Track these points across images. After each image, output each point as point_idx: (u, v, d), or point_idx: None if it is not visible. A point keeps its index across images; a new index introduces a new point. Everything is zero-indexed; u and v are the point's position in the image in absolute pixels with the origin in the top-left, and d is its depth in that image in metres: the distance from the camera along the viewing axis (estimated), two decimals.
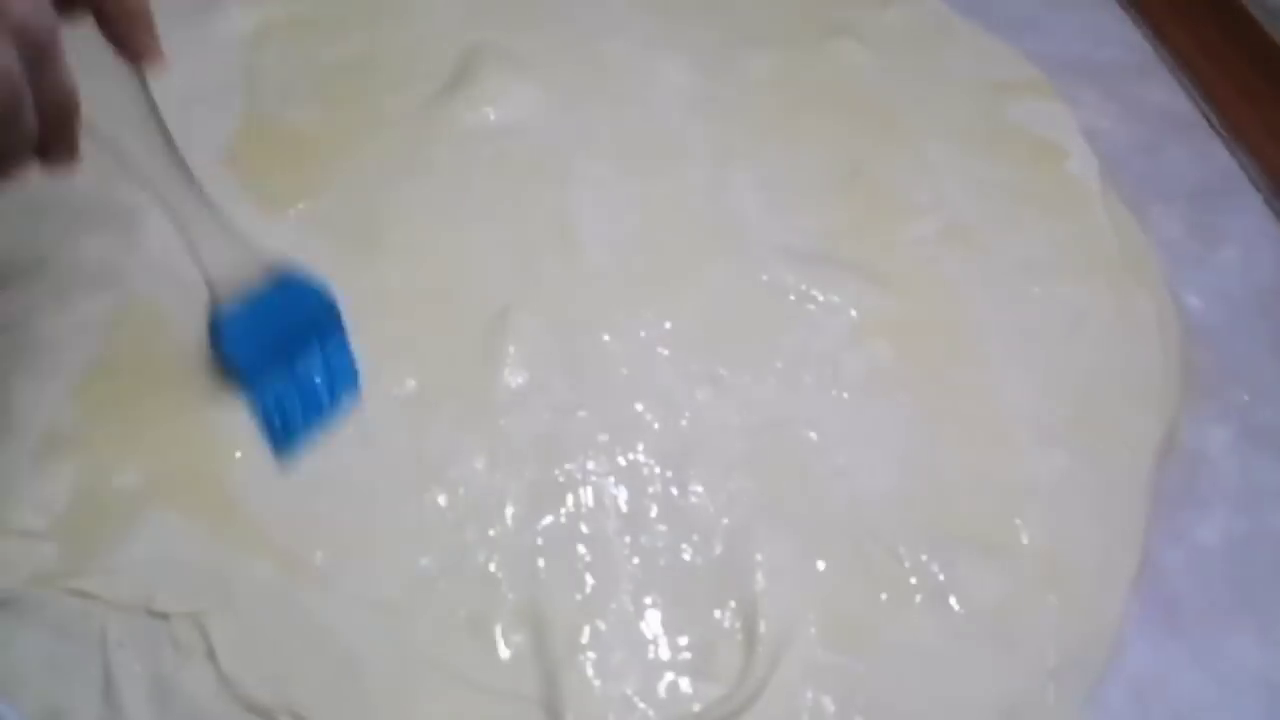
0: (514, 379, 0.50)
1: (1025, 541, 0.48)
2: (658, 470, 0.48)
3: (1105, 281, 0.57)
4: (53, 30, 0.34)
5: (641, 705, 0.41)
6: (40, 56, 0.34)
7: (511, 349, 0.51)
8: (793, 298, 0.54)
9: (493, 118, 0.62)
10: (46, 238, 0.54)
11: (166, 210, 0.43)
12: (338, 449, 0.47)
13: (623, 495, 0.47)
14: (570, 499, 0.47)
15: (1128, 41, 0.71)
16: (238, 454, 0.47)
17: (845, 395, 0.51)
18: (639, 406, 0.50)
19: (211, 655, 0.41)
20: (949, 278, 0.56)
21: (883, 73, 0.66)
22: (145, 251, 0.54)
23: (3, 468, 0.46)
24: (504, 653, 0.42)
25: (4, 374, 0.49)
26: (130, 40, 0.40)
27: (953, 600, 0.45)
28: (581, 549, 0.45)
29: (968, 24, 0.70)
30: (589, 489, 0.47)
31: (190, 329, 0.50)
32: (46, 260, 0.53)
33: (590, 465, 0.48)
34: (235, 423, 0.48)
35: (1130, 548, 0.48)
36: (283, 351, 0.47)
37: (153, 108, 0.42)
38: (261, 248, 0.46)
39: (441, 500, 0.46)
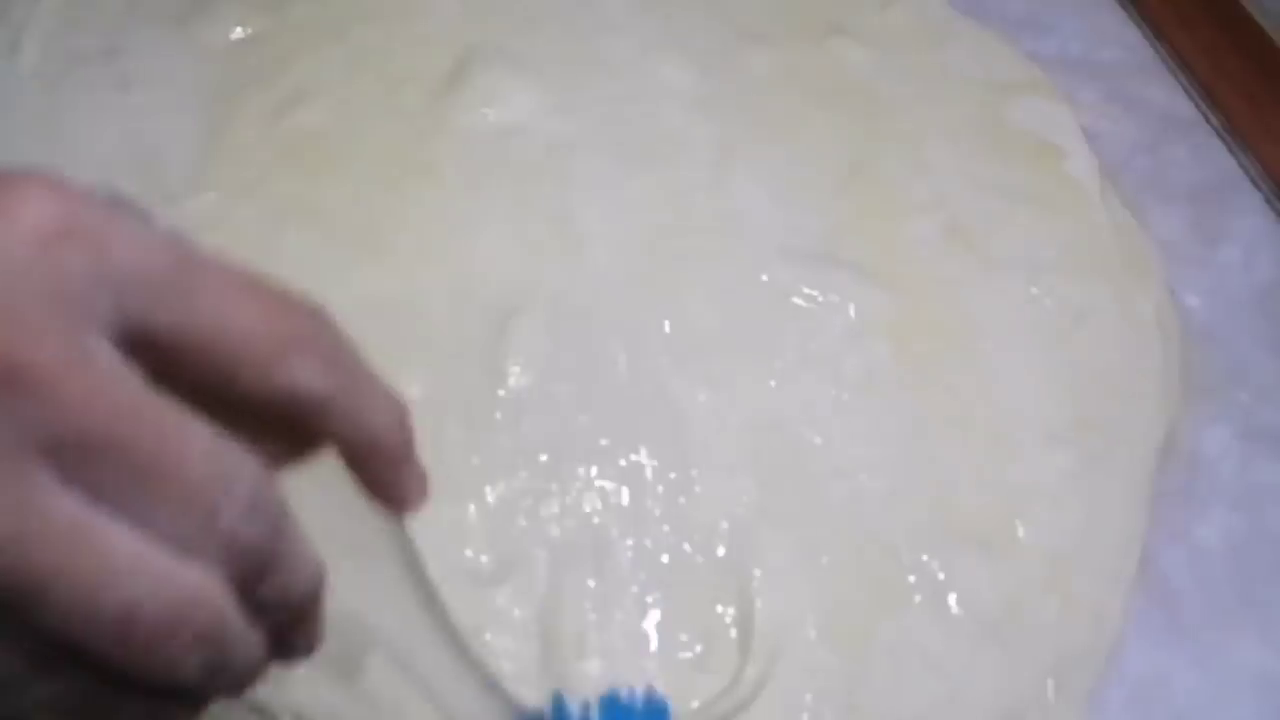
0: (516, 384, 0.50)
1: (1025, 541, 0.48)
2: (659, 472, 0.48)
3: (1105, 281, 0.57)
4: (274, 531, 0.23)
5: None
6: (262, 568, 0.23)
7: (514, 353, 0.51)
8: (793, 297, 0.54)
9: (492, 118, 0.61)
10: None
11: (417, 681, 0.31)
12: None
13: (625, 498, 0.47)
14: (573, 503, 0.47)
15: (1127, 41, 0.71)
16: None
17: (845, 395, 0.51)
18: (640, 408, 0.50)
19: None
20: (948, 277, 0.56)
21: (883, 71, 0.66)
22: None
23: None
24: (507, 658, 0.42)
25: None
26: (389, 487, 0.29)
27: (952, 600, 0.45)
28: (585, 553, 0.45)
29: (968, 23, 0.70)
30: (592, 493, 0.47)
31: None
32: None
33: (594, 469, 0.48)
34: None
35: (1130, 548, 0.48)
36: None
37: (412, 561, 0.30)
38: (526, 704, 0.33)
39: (443, 507, 0.46)
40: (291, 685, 0.41)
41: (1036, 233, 0.59)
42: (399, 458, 0.28)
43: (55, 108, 0.60)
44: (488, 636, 0.43)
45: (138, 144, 0.59)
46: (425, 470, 0.29)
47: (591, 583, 0.45)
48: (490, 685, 0.32)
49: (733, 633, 0.44)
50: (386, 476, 0.28)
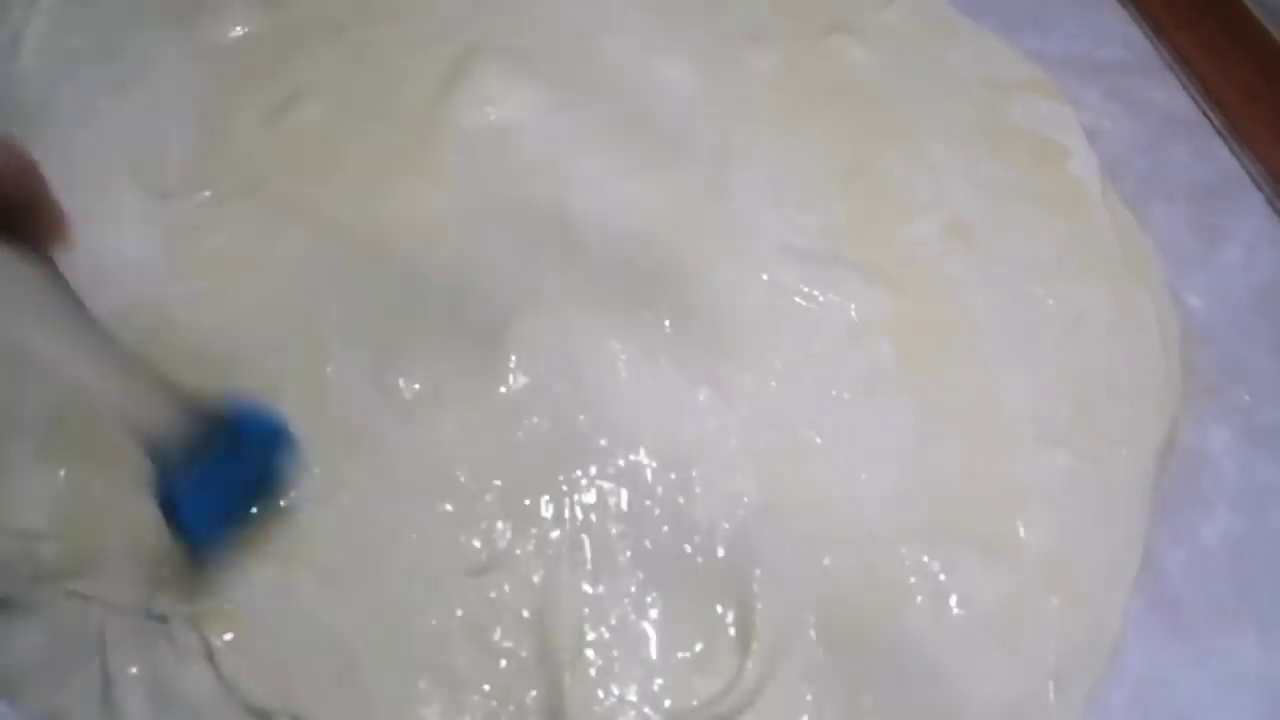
0: (515, 383, 0.50)
1: (1026, 542, 0.48)
2: (659, 472, 0.48)
3: (1106, 281, 0.57)
4: None
5: (647, 710, 0.42)
6: None
7: (513, 353, 0.51)
8: (793, 297, 0.54)
9: (493, 117, 0.61)
10: None
11: (87, 386, 0.38)
12: (339, 452, 0.47)
13: (624, 498, 0.47)
14: (572, 503, 0.47)
15: (1129, 41, 0.71)
16: None
17: (846, 395, 0.51)
18: (639, 408, 0.50)
19: (210, 656, 0.41)
20: (950, 277, 0.56)
21: (884, 71, 0.66)
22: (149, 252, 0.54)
23: (3, 468, 0.46)
24: (505, 657, 0.42)
25: (5, 373, 0.49)
26: (32, 230, 0.35)
27: (954, 601, 0.45)
28: (584, 553, 0.45)
29: (969, 22, 0.69)
30: (592, 492, 0.47)
31: (196, 329, 0.50)
32: None
33: (593, 469, 0.48)
34: None
35: (1131, 548, 0.48)
36: (238, 503, 0.43)
37: (62, 287, 0.37)
38: (200, 392, 0.40)
39: (443, 505, 0.46)
40: (291, 685, 0.41)
41: (1038, 232, 0.59)
42: (36, 202, 0.34)
43: (53, 107, 0.60)
44: (495, 634, 0.43)
45: (136, 142, 0.59)
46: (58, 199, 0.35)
47: (588, 581, 0.45)
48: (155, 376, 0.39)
49: (732, 633, 0.44)
50: (29, 225, 0.34)
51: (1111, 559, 0.48)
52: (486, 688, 0.41)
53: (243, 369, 0.50)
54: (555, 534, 0.46)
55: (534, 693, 0.42)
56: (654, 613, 0.44)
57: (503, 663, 0.42)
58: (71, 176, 0.56)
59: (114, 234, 0.54)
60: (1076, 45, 0.70)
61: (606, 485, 0.47)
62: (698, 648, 0.43)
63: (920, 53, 0.67)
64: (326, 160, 0.58)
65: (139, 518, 0.42)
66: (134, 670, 0.41)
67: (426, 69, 0.63)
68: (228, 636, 0.42)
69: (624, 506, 0.47)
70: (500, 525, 0.46)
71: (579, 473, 0.47)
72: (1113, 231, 0.59)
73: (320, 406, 0.49)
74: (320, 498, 0.46)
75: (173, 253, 0.54)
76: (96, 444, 0.46)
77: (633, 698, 0.42)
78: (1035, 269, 0.57)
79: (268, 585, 0.43)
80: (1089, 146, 0.63)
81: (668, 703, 0.42)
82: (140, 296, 0.52)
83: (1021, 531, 0.48)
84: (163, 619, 0.42)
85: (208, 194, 0.57)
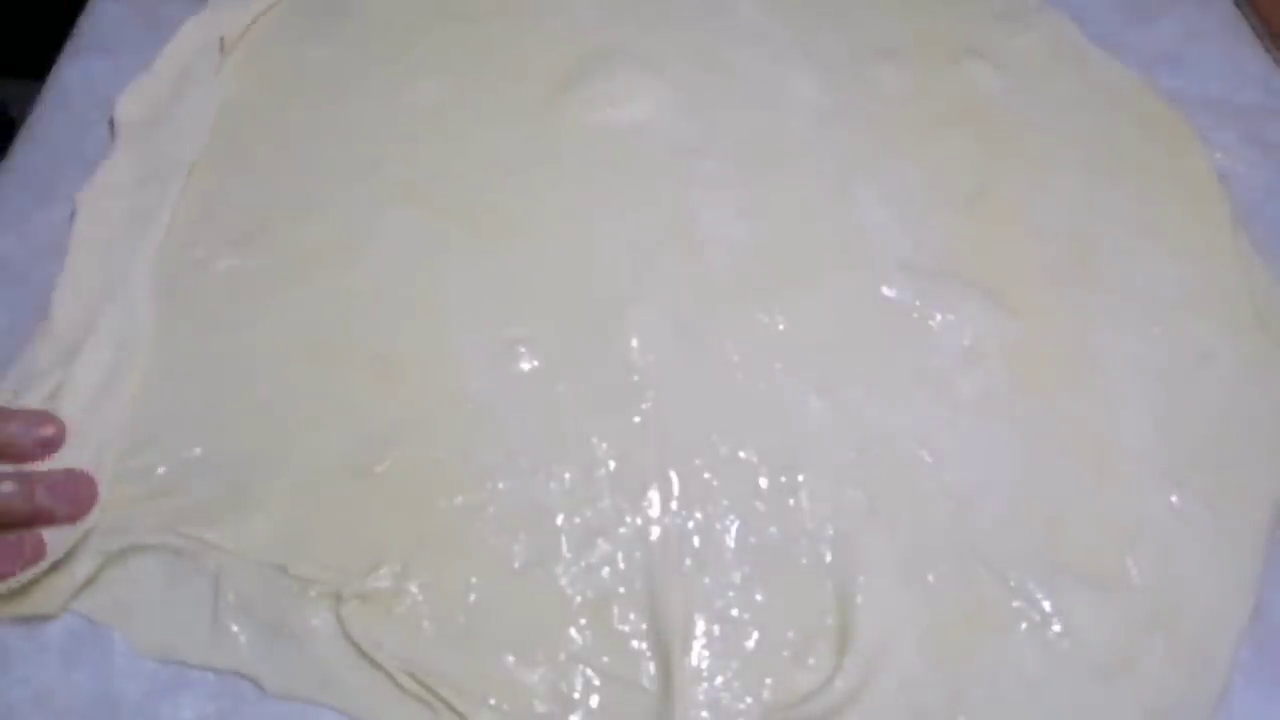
0: (631, 368, 0.51)
1: (1135, 580, 0.47)
2: (768, 473, 0.48)
3: (1230, 325, 0.56)
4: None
5: (748, 699, 0.42)
6: None
7: (632, 342, 0.51)
8: (910, 314, 0.54)
9: (619, 116, 0.62)
10: None
11: None
12: (462, 422, 0.48)
13: (733, 493, 0.47)
14: (683, 491, 0.47)
15: (1269, 85, 0.69)
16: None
17: (957, 415, 0.51)
18: (751, 409, 0.50)
19: (338, 611, 0.42)
20: (1070, 306, 0.55)
21: (1014, 97, 0.65)
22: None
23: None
24: (618, 633, 0.43)
25: None
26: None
27: (1058, 631, 0.44)
28: (693, 542, 0.46)
29: (1104, 54, 0.69)
30: (701, 483, 0.47)
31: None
32: None
33: (697, 461, 0.48)
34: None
35: (1243, 596, 0.47)
36: None
37: None
38: None
39: (561, 477, 0.47)
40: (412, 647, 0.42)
41: (1163, 269, 0.58)
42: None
43: None
44: (609, 611, 0.43)
45: None
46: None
47: (696, 569, 0.45)
48: None
49: (832, 637, 0.43)
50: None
51: (1223, 605, 0.46)
52: (601, 667, 0.42)
53: (360, 343, 0.51)
54: (665, 519, 0.46)
55: (646, 674, 0.42)
56: (757, 606, 0.44)
57: (617, 644, 0.43)
58: None
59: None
60: (1214, 87, 0.68)
61: (715, 480, 0.47)
62: (798, 645, 0.43)
63: (1052, 82, 0.67)
64: (451, 144, 0.60)
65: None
66: (246, 606, 0.42)
67: (553, 65, 0.64)
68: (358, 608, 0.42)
69: (732, 501, 0.47)
70: (612, 503, 0.46)
71: (691, 463, 0.48)
72: (1241, 276, 0.58)
73: (440, 378, 0.50)
74: (442, 469, 0.47)
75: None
76: None
77: (736, 684, 0.42)
78: (1158, 305, 0.56)
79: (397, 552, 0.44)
80: (1221, 188, 0.62)
81: (766, 694, 0.42)
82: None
83: (1131, 569, 0.47)
84: (283, 569, 0.43)
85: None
